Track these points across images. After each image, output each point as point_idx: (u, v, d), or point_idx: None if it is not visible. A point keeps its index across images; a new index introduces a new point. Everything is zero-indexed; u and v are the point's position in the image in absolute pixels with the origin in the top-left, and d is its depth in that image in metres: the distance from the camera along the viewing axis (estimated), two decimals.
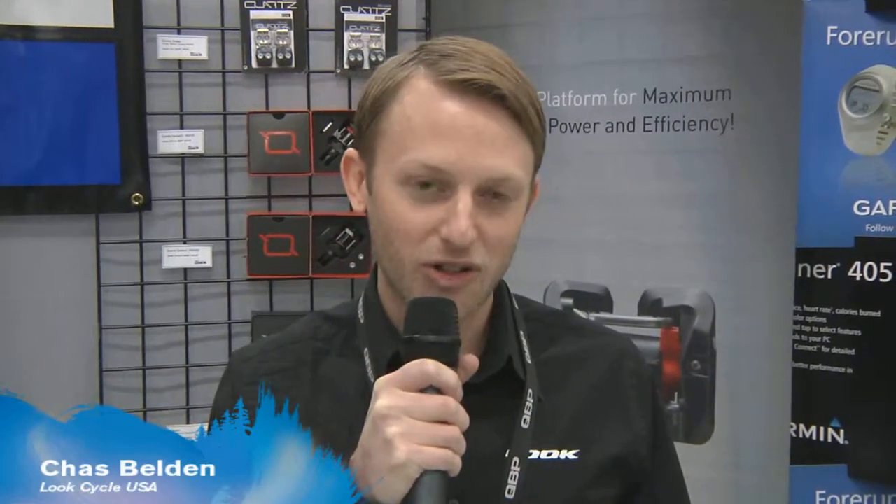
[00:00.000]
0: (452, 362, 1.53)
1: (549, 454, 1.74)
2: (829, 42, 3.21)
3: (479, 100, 1.59)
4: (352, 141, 1.79)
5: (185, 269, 3.80)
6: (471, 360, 1.59)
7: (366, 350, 1.74)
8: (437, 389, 1.49)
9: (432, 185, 1.59)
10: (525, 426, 1.71)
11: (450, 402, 1.49)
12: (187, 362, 3.82)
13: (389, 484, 1.46)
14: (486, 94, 1.59)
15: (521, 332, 1.81)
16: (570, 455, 1.75)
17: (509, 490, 1.66)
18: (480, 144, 1.58)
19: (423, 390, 1.49)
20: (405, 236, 1.62)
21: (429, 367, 1.49)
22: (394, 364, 1.57)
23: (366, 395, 1.56)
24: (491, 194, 1.61)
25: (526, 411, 1.72)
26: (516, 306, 1.86)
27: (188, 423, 3.75)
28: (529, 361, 1.78)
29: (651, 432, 1.86)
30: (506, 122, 1.60)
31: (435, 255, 1.60)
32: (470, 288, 1.63)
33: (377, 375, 1.58)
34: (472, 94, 1.59)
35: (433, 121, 1.60)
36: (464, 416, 1.50)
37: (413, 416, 1.47)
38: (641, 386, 1.87)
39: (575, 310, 3.44)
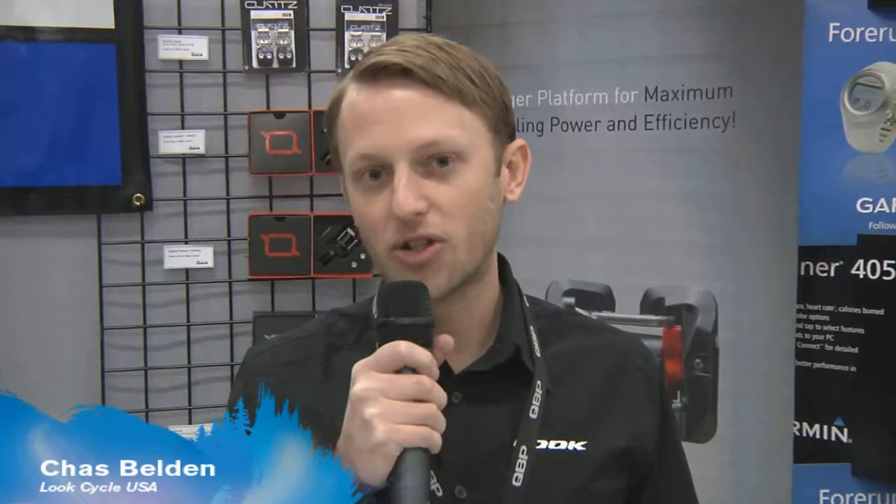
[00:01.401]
0: (427, 343, 1.56)
1: (557, 444, 1.75)
2: (830, 39, 3.22)
3: (388, 80, 1.65)
4: None
5: (187, 270, 3.80)
6: (445, 341, 1.61)
7: (377, 343, 1.76)
8: (412, 369, 1.52)
9: (380, 173, 1.65)
10: (533, 416, 1.73)
11: (424, 381, 1.52)
12: (189, 363, 3.81)
13: (371, 464, 1.48)
14: (391, 73, 1.65)
15: (532, 328, 1.83)
16: (578, 446, 1.77)
17: (516, 478, 1.69)
18: (400, 119, 1.63)
19: (399, 371, 1.52)
20: (370, 228, 1.67)
21: (400, 347, 1.52)
22: None
23: None
24: (436, 162, 1.64)
25: (534, 402, 1.74)
26: (527, 304, 1.88)
27: (190, 423, 3.74)
28: (539, 355, 1.80)
29: (658, 429, 1.88)
30: (419, 92, 1.65)
31: (395, 234, 1.64)
32: (440, 261, 1.66)
33: None
34: (380, 78, 1.66)
35: (357, 113, 1.67)
36: (440, 394, 1.53)
37: (389, 397, 1.50)
38: (650, 383, 1.89)
39: (577, 308, 3.43)
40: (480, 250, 1.72)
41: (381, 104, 1.64)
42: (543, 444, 1.74)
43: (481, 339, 1.79)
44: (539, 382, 1.76)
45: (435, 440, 1.50)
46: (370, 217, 1.66)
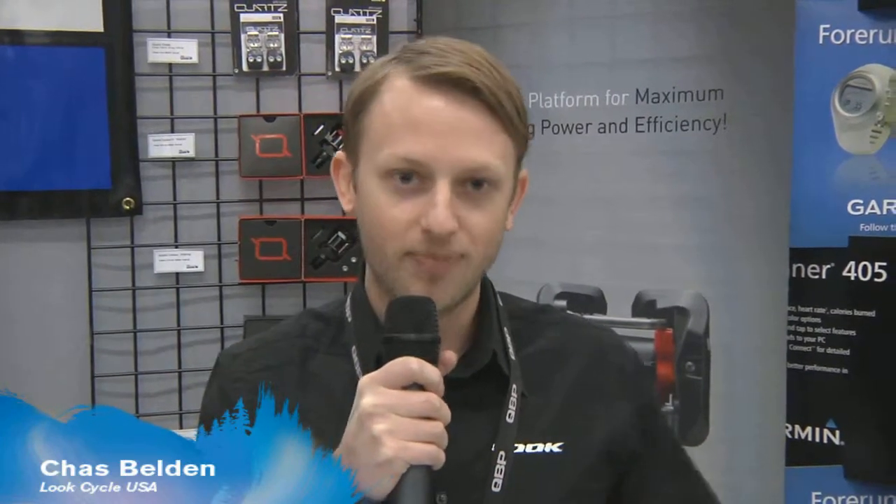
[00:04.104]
0: (433, 359, 1.55)
1: (535, 447, 1.75)
2: (821, 41, 3.22)
3: (454, 93, 1.61)
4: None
5: (177, 274, 3.80)
6: (449, 357, 1.60)
7: (353, 348, 1.77)
8: (419, 386, 1.52)
9: (413, 178, 1.62)
10: (510, 420, 1.73)
11: (433, 399, 1.52)
12: (180, 367, 3.81)
13: (376, 480, 1.47)
14: (461, 87, 1.61)
15: (505, 329, 1.83)
16: (556, 448, 1.76)
17: (495, 483, 1.69)
18: (456, 136, 1.61)
19: (406, 387, 1.52)
20: (388, 230, 1.64)
21: (412, 364, 1.52)
22: (382, 361, 1.58)
23: (354, 391, 1.57)
24: (471, 185, 1.63)
25: (510, 406, 1.74)
26: (500, 303, 1.87)
27: (181, 427, 3.73)
28: (514, 358, 1.80)
29: (638, 422, 1.86)
30: (481, 114, 1.62)
31: (417, 245, 1.62)
32: (455, 274, 1.65)
33: (365, 372, 1.60)
34: (446, 88, 1.62)
35: (410, 115, 1.62)
36: (446, 412, 1.53)
37: (399, 413, 1.49)
38: (624, 378, 1.88)
39: (568, 311, 3.42)
40: (484, 272, 1.74)
41: (441, 115, 1.61)
42: (521, 447, 1.74)
43: (460, 346, 1.78)
44: (514, 386, 1.76)
45: (440, 458, 1.51)
46: (392, 219, 1.63)
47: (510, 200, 1.73)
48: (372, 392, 1.51)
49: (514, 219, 1.78)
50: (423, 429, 1.49)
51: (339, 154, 1.78)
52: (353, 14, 3.81)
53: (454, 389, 1.66)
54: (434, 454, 1.50)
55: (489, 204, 1.65)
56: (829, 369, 3.25)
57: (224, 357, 1.90)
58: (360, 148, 1.69)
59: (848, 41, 3.21)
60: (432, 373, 1.52)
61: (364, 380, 1.54)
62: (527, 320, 1.90)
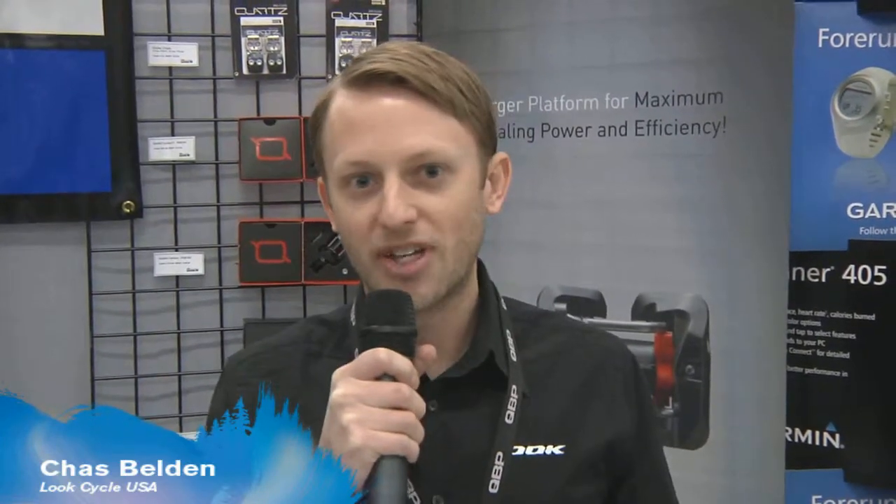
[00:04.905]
0: (409, 352, 1.56)
1: (535, 450, 1.75)
2: (820, 44, 3.22)
3: (382, 88, 1.65)
4: None
5: (177, 277, 3.80)
6: (428, 351, 1.61)
7: (356, 350, 1.75)
8: (392, 377, 1.52)
9: (368, 180, 1.65)
10: (509, 421, 1.73)
11: (403, 389, 1.52)
12: (180, 370, 3.81)
13: (349, 469, 1.47)
14: (387, 81, 1.65)
15: (508, 332, 1.83)
16: (556, 451, 1.76)
17: (493, 485, 1.69)
18: (393, 127, 1.63)
19: (378, 378, 1.53)
20: (356, 234, 1.66)
21: (381, 354, 1.53)
22: None
23: None
24: (425, 173, 1.65)
25: (510, 407, 1.74)
26: (504, 307, 1.87)
27: (181, 431, 3.72)
28: (514, 359, 1.80)
29: (636, 430, 1.86)
30: (414, 102, 1.65)
31: (382, 241, 1.64)
32: (429, 271, 1.66)
33: None
34: (375, 85, 1.65)
35: (348, 119, 1.66)
36: (419, 403, 1.53)
37: (367, 403, 1.50)
38: (627, 383, 1.88)
39: (569, 315, 3.42)
40: (465, 261, 1.72)
41: (374, 111, 1.64)
42: (521, 450, 1.73)
43: (457, 346, 1.78)
44: (514, 387, 1.76)
45: (412, 448, 1.50)
46: (356, 223, 1.66)
47: (481, 183, 1.74)
48: (343, 383, 1.53)
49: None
50: (391, 418, 1.50)
51: (320, 179, 1.80)
52: (353, 17, 3.81)
53: (451, 389, 1.70)
54: (404, 443, 1.49)
55: (447, 188, 1.66)
56: (829, 372, 3.25)
57: (229, 363, 1.93)
58: (325, 165, 1.73)
59: (847, 45, 3.21)
60: (402, 363, 1.53)
61: (337, 372, 1.55)
62: (530, 324, 1.90)
